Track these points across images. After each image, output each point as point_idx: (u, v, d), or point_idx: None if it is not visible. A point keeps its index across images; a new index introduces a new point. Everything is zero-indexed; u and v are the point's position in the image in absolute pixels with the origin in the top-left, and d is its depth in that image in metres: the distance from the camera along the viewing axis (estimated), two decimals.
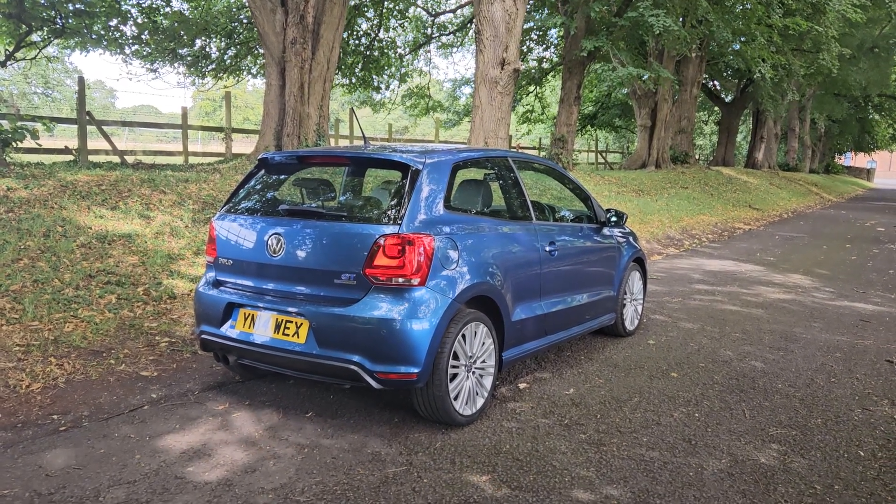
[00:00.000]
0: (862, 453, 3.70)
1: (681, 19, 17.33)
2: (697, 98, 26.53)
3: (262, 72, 20.00)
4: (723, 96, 33.85)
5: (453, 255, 3.81)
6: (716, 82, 32.59)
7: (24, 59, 15.66)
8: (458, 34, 24.91)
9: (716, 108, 37.85)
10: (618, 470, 3.40)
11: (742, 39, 20.11)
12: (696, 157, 34.16)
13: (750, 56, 19.24)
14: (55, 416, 3.85)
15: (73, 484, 3.11)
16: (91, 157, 12.16)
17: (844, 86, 30.41)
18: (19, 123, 8.64)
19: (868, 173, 62.60)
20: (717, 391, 4.61)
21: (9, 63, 13.90)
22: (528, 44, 24.43)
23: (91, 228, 6.68)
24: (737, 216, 18.16)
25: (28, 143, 9.05)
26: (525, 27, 21.18)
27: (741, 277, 9.25)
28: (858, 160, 68.75)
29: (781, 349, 5.72)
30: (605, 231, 5.66)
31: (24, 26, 13.57)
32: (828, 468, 3.50)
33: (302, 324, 3.72)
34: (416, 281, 3.61)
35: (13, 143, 8.45)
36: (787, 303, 7.62)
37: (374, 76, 22.34)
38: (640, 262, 6.20)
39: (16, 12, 12.90)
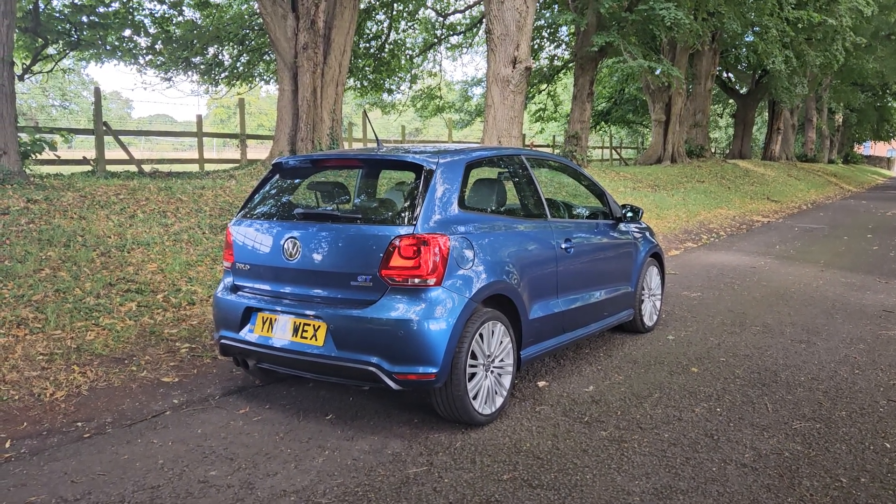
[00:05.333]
0: (888, 445, 3.64)
1: (692, 13, 17.22)
2: (712, 91, 26.29)
3: (274, 78, 20.12)
4: (738, 88, 33.53)
5: (469, 254, 3.80)
6: (730, 74, 32.28)
7: (41, 72, 15.89)
8: (467, 34, 24.91)
9: (731, 101, 37.48)
10: (639, 466, 3.38)
11: (755, 30, 19.91)
12: (712, 150, 33.88)
13: (762, 49, 19.06)
14: (79, 424, 3.90)
15: (99, 490, 3.15)
16: (108, 167, 12.31)
17: (860, 75, 29.99)
18: (38, 136, 8.75)
19: (888, 162, 61.79)
20: (738, 385, 4.57)
21: (26, 76, 14.10)
22: (539, 41, 24.36)
23: (110, 237, 6.76)
24: (755, 209, 17.98)
25: (47, 154, 9.17)
26: (535, 25, 21.13)
27: (760, 271, 9.16)
28: (878, 149, 67.85)
29: (803, 342, 5.65)
30: (622, 227, 5.62)
31: (40, 40, 13.76)
32: (853, 461, 3.46)
33: (320, 326, 3.73)
34: (432, 281, 3.61)
35: (32, 156, 8.56)
36: (808, 295, 7.53)
37: (386, 79, 22.39)
38: (657, 258, 6.16)
39: (32, 26, 13.08)
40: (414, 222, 3.66)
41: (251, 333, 4.00)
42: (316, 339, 3.73)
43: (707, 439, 3.70)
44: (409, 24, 23.00)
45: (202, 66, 19.31)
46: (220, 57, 19.68)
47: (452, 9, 24.29)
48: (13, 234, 6.32)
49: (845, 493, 3.14)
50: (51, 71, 16.21)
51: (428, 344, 3.55)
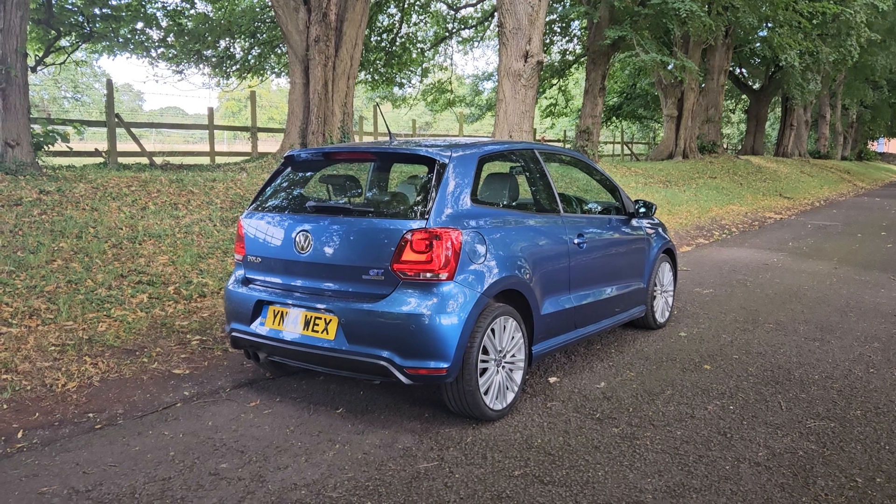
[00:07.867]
0: None
1: (706, 7, 17.07)
2: (724, 86, 26.11)
3: (285, 71, 20.12)
4: (750, 84, 33.27)
5: (481, 248, 3.78)
6: (743, 70, 32.04)
7: (53, 64, 15.94)
8: (479, 28, 24.83)
9: (743, 96, 37.23)
10: (652, 464, 3.36)
11: (769, 25, 19.74)
12: (724, 146, 33.66)
13: (777, 43, 18.89)
14: (91, 415, 3.91)
15: (110, 481, 3.16)
16: (120, 159, 12.36)
17: (873, 71, 29.63)
18: (50, 127, 8.78)
19: None
20: (751, 383, 4.53)
21: (39, 68, 14.15)
22: (550, 36, 24.25)
23: (122, 229, 6.78)
24: (767, 205, 17.85)
25: (59, 146, 9.20)
26: (547, 19, 21.02)
27: (773, 267, 9.09)
28: (892, 146, 67.17)
29: (817, 340, 5.60)
30: (634, 222, 5.58)
31: (52, 32, 13.80)
32: (869, 461, 3.42)
33: (331, 320, 3.72)
34: (444, 275, 3.59)
35: (45, 147, 8.59)
36: (821, 293, 7.46)
37: (397, 72, 22.36)
38: (669, 254, 6.12)
39: (45, 18, 13.12)
40: (426, 216, 3.64)
41: (262, 326, 4.00)
42: (327, 333, 3.72)
43: (720, 437, 3.67)
44: (420, 17, 22.95)
45: (213, 59, 19.35)
46: (231, 50, 19.72)
47: (464, 2, 24.22)
48: (26, 225, 6.34)
49: (860, 493, 3.10)
50: (63, 63, 16.25)
51: (439, 338, 3.53)
